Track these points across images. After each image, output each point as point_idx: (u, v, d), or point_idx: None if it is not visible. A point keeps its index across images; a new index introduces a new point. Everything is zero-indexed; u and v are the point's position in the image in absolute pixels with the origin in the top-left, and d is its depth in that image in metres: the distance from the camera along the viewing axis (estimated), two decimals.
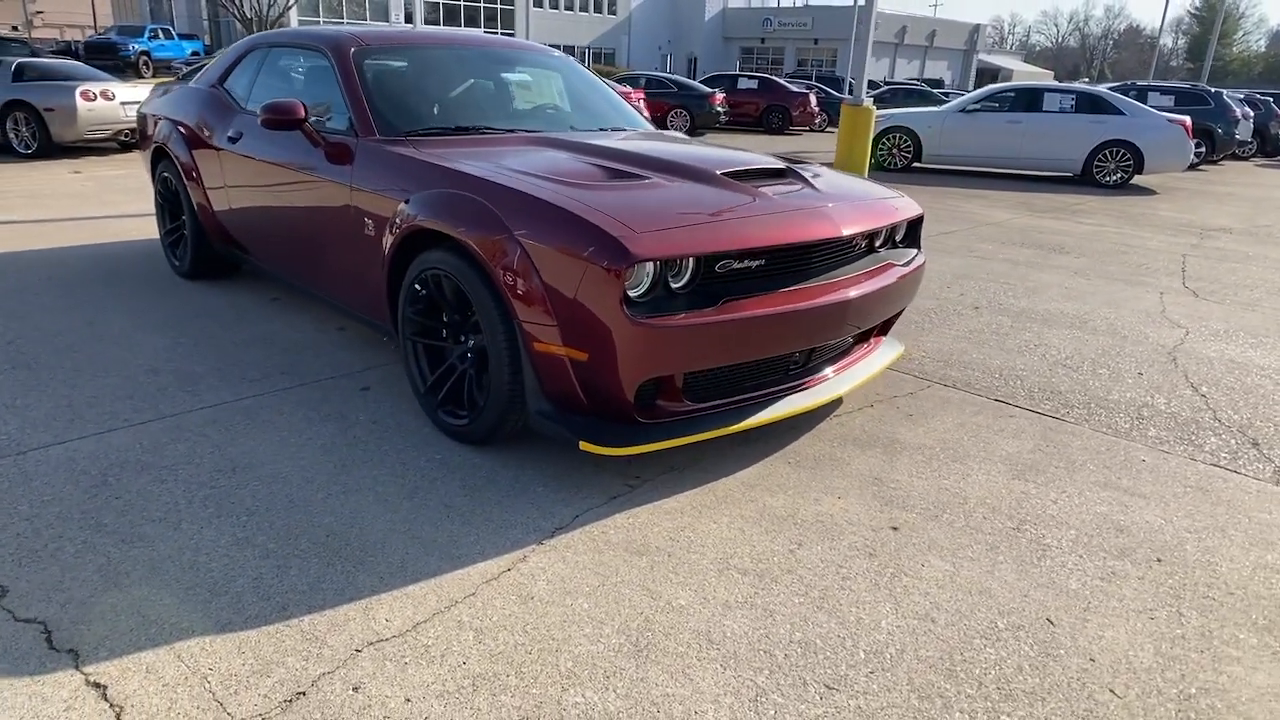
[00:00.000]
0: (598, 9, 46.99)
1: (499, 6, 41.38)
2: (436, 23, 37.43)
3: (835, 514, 2.52)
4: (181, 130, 4.50)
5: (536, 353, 2.50)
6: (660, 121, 19.23)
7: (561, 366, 2.47)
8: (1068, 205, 9.82)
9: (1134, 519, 2.58)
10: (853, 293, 2.76)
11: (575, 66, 4.38)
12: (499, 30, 39.91)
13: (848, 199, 2.96)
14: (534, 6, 42.57)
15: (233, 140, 4.04)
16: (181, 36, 29.93)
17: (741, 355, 2.56)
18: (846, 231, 2.75)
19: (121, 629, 1.89)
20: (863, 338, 3.27)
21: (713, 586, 2.14)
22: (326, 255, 3.47)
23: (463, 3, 39.80)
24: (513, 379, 2.59)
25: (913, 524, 2.49)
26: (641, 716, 1.70)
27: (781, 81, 23.18)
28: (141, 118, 5.20)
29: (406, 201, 2.86)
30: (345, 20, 34.84)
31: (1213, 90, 15.48)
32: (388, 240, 2.96)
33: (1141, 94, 14.87)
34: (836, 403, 3.36)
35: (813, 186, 2.98)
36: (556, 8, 44.52)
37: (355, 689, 1.74)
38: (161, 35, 28.46)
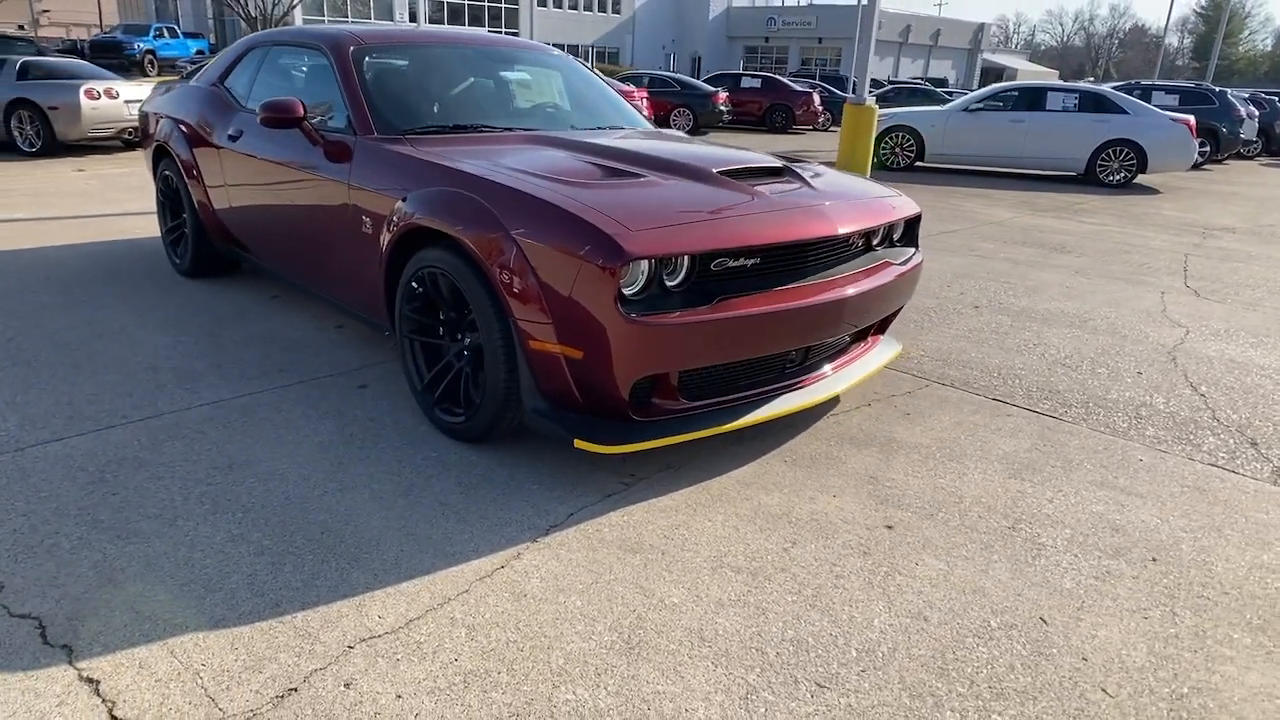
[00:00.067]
0: (602, 8, 46.99)
1: (503, 6, 41.41)
2: (441, 22, 37.48)
3: (830, 513, 2.52)
4: (182, 129, 4.51)
5: (532, 350, 2.51)
6: (663, 120, 19.24)
7: (557, 364, 2.47)
8: (1070, 204, 9.80)
9: (1130, 518, 2.57)
10: (849, 291, 2.76)
11: (574, 65, 4.38)
12: (503, 29, 39.95)
13: (845, 198, 2.96)
14: (538, 6, 42.59)
15: (233, 138, 4.05)
16: (186, 35, 30.01)
17: (737, 354, 2.56)
18: (843, 230, 2.75)
19: (115, 625, 1.90)
20: (860, 336, 3.26)
21: (706, 584, 2.14)
22: (325, 253, 3.48)
23: (467, 2, 39.84)
24: (508, 377, 2.60)
25: (908, 523, 2.49)
26: (632, 714, 1.70)
27: (785, 80, 23.16)
28: (143, 116, 5.21)
29: (404, 200, 2.87)
30: (350, 19, 34.89)
31: (1217, 89, 15.42)
32: (385, 238, 2.96)
33: (1145, 93, 14.83)
34: (834, 401, 3.36)
35: (810, 185, 2.98)
36: (561, 7, 44.53)
37: (347, 685, 1.75)
38: (166, 34, 28.54)
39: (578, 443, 2.48)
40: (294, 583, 2.08)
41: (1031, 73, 62.57)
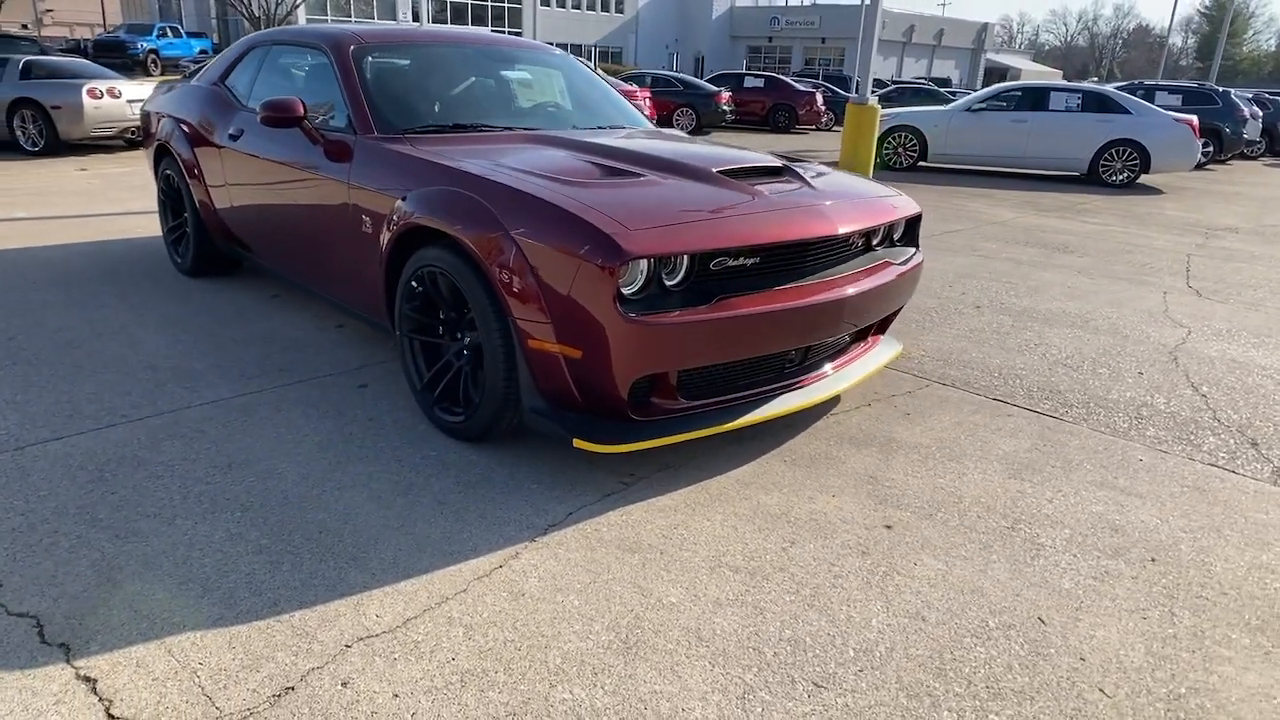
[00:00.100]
0: (605, 8, 47.00)
1: (506, 5, 41.44)
2: (445, 21, 37.51)
3: (829, 512, 2.52)
4: (184, 128, 4.52)
5: (531, 350, 2.51)
6: (666, 120, 19.23)
7: (556, 364, 2.47)
8: (1073, 204, 9.78)
9: (1129, 519, 2.57)
10: (849, 291, 2.75)
11: (575, 64, 4.38)
12: (506, 29, 39.97)
13: (844, 197, 2.96)
14: (541, 5, 42.61)
15: (233, 138, 4.06)
16: (190, 35, 30.04)
17: (736, 353, 2.56)
18: (842, 230, 2.74)
19: (113, 623, 1.90)
20: (860, 336, 3.26)
21: (704, 584, 2.14)
22: (326, 253, 3.48)
23: (471, 1, 39.86)
24: (507, 376, 2.60)
25: (907, 523, 2.48)
26: (628, 713, 1.70)
27: (788, 80, 23.15)
28: (145, 115, 5.22)
29: (403, 199, 2.87)
30: (353, 19, 34.94)
31: (1220, 89, 15.39)
32: (385, 237, 2.96)
33: (1149, 93, 14.80)
34: (834, 401, 3.35)
35: (809, 185, 2.98)
36: (564, 6, 44.55)
37: (344, 684, 1.75)
38: (170, 34, 28.58)
39: (576, 442, 2.48)
40: (292, 582, 2.08)
41: (1035, 73, 62.48)
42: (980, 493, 2.69)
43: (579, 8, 45.35)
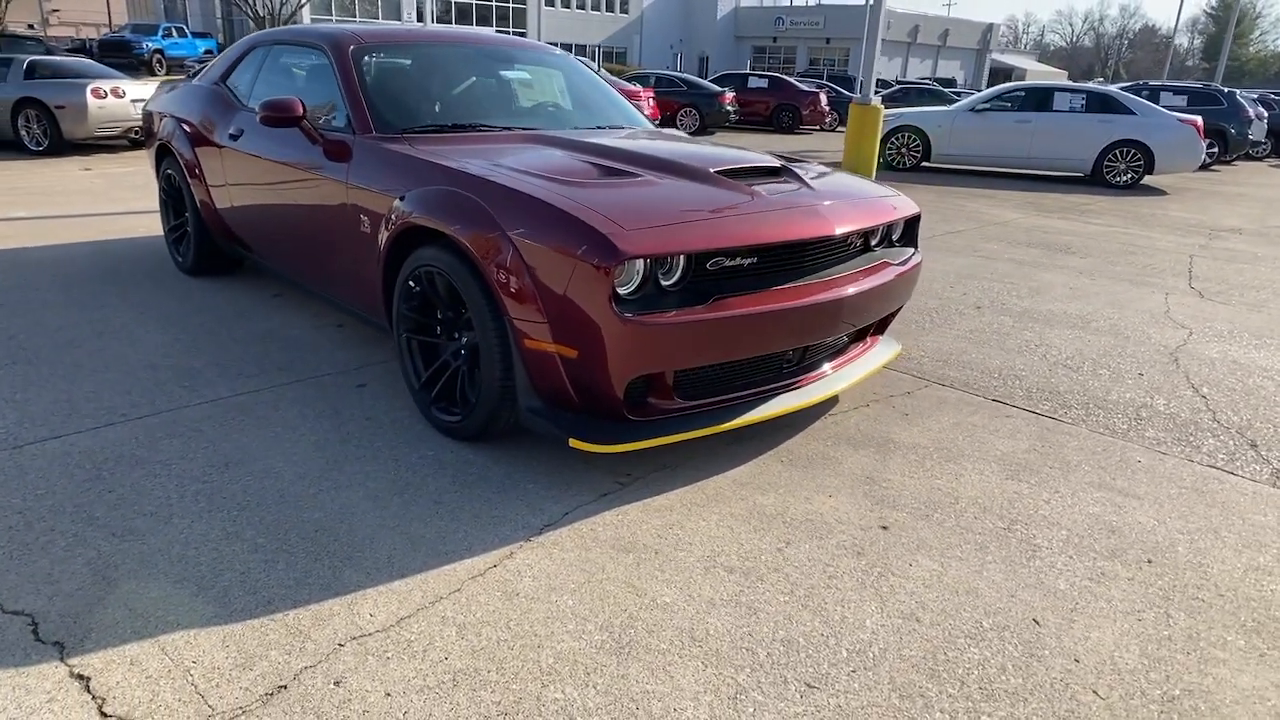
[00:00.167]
0: (609, 8, 47.01)
1: (510, 5, 41.48)
2: (449, 21, 37.56)
3: (825, 513, 2.52)
4: (185, 128, 4.53)
5: (527, 349, 2.51)
6: (670, 120, 19.23)
7: (552, 363, 2.47)
8: (1076, 205, 9.76)
9: (1126, 520, 2.56)
10: (847, 291, 2.75)
11: (575, 64, 4.38)
12: (511, 29, 40.01)
13: (843, 197, 2.95)
14: (546, 5, 42.62)
15: (234, 138, 4.06)
16: (195, 35, 30.10)
17: (733, 353, 2.56)
18: (840, 230, 2.74)
19: (108, 622, 1.91)
20: (859, 337, 3.26)
21: (698, 584, 2.14)
22: (325, 252, 3.49)
23: (475, 1, 39.90)
24: (504, 376, 2.60)
25: (903, 523, 2.48)
26: (620, 713, 1.70)
27: (792, 80, 23.12)
28: (147, 115, 5.24)
29: (401, 198, 2.87)
30: (358, 18, 34.99)
31: (1226, 90, 15.35)
32: (383, 237, 2.97)
33: (1154, 94, 14.76)
34: (832, 401, 3.35)
35: (808, 185, 2.97)
36: (568, 7, 44.58)
37: (336, 683, 1.75)
38: (175, 33, 28.63)
39: (572, 442, 2.48)
40: (286, 581, 2.08)
41: (1040, 73, 62.33)
42: (977, 494, 2.68)
43: (583, 8, 45.38)
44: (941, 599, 2.12)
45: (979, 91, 16.65)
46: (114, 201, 7.25)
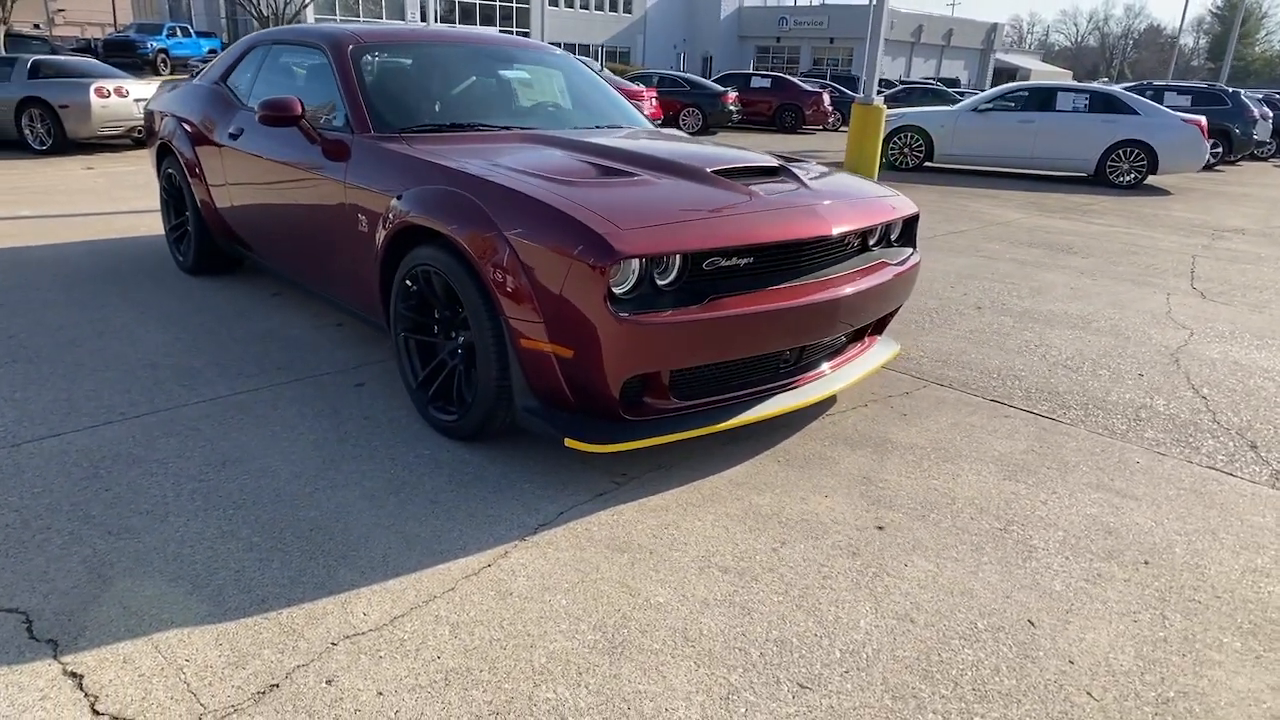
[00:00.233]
0: (613, 8, 47.01)
1: (514, 5, 41.50)
2: (453, 21, 37.58)
3: (821, 513, 2.51)
4: (185, 127, 4.54)
5: (523, 349, 2.51)
6: (673, 120, 19.22)
7: (548, 363, 2.47)
8: (1079, 205, 9.74)
9: (1124, 521, 2.55)
10: (844, 291, 2.74)
11: (575, 64, 4.38)
12: (514, 29, 40.02)
13: (840, 197, 2.95)
14: (549, 5, 42.62)
15: (234, 137, 4.07)
16: (199, 34, 30.18)
17: (729, 353, 2.55)
18: (837, 230, 2.73)
19: (102, 620, 1.91)
20: (857, 337, 3.25)
21: (692, 584, 2.14)
22: (323, 252, 3.49)
23: (479, 1, 39.93)
24: (500, 375, 2.60)
25: (899, 524, 2.48)
26: (612, 713, 1.70)
27: (795, 80, 23.11)
28: (148, 114, 5.25)
29: (399, 198, 2.87)
30: (361, 18, 35.03)
31: (1230, 90, 15.30)
32: (380, 236, 2.97)
33: (1158, 94, 14.72)
34: (830, 402, 3.34)
35: (805, 185, 2.97)
36: (572, 6, 44.60)
37: (329, 682, 1.75)
38: (179, 33, 28.71)
39: (568, 441, 2.48)
40: (281, 579, 2.08)
41: (1045, 73, 62.21)
42: (974, 494, 2.68)
43: (587, 8, 45.39)
44: (936, 599, 2.12)
45: (983, 92, 16.62)
46: (116, 201, 7.26)
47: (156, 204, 6.59)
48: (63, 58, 12.10)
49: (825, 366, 3.03)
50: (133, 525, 2.29)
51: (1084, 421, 3.31)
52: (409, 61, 3.77)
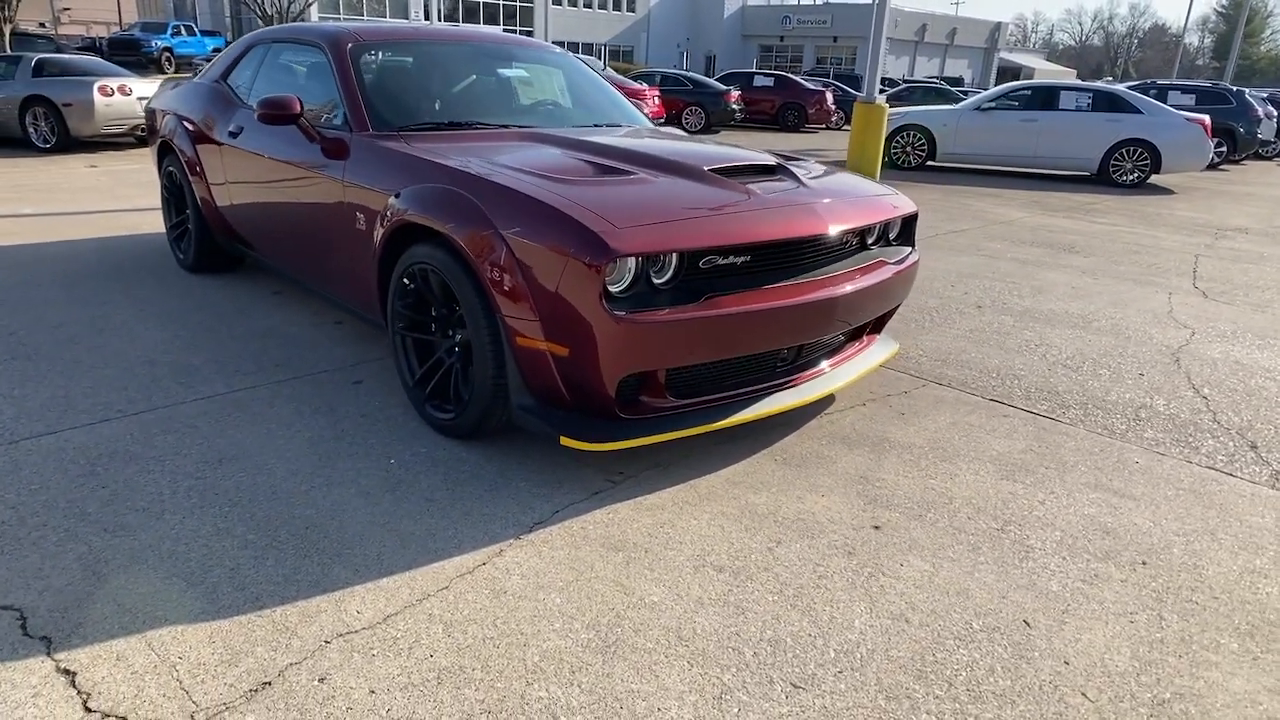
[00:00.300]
0: (616, 6, 46.98)
1: (518, 4, 41.47)
2: (456, 20, 37.58)
3: (817, 512, 2.51)
4: (186, 125, 4.54)
5: (519, 347, 2.50)
6: (675, 119, 19.21)
7: (544, 361, 2.47)
8: (1082, 204, 9.71)
9: (1122, 521, 2.54)
10: (841, 290, 2.74)
11: (574, 62, 4.38)
12: (518, 28, 40.01)
13: (838, 195, 2.94)
14: (553, 4, 42.63)
15: (233, 135, 4.07)
16: (204, 33, 30.21)
17: (726, 352, 2.55)
18: (834, 228, 2.73)
19: (95, 617, 1.91)
20: (855, 335, 3.24)
21: (687, 583, 2.13)
22: (322, 250, 3.49)
23: (482, 0, 39.92)
24: (496, 373, 2.59)
25: (895, 523, 2.47)
26: (604, 712, 1.70)
27: (797, 79, 23.07)
28: (150, 112, 5.25)
29: (396, 196, 2.87)
30: (365, 17, 35.05)
31: (1235, 89, 15.25)
32: (378, 234, 2.97)
33: (1162, 93, 14.68)
34: (828, 400, 3.34)
35: (803, 184, 2.96)
36: (575, 5, 44.56)
37: (321, 680, 1.75)
38: (184, 32, 28.74)
39: (564, 440, 2.47)
40: (275, 577, 2.08)
41: (1049, 72, 62.09)
42: (972, 494, 2.67)
43: (590, 6, 45.35)
44: (932, 600, 2.11)
45: (986, 91, 16.58)
46: (118, 199, 7.28)
47: (158, 202, 6.60)
48: (66, 56, 12.12)
49: (823, 365, 3.02)
50: (128, 522, 2.29)
51: (1083, 421, 3.30)
52: (408, 60, 3.77)
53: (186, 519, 2.32)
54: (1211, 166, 14.66)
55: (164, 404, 3.08)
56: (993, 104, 12.31)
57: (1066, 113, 11.77)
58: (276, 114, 3.28)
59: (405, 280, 2.89)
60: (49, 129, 10.20)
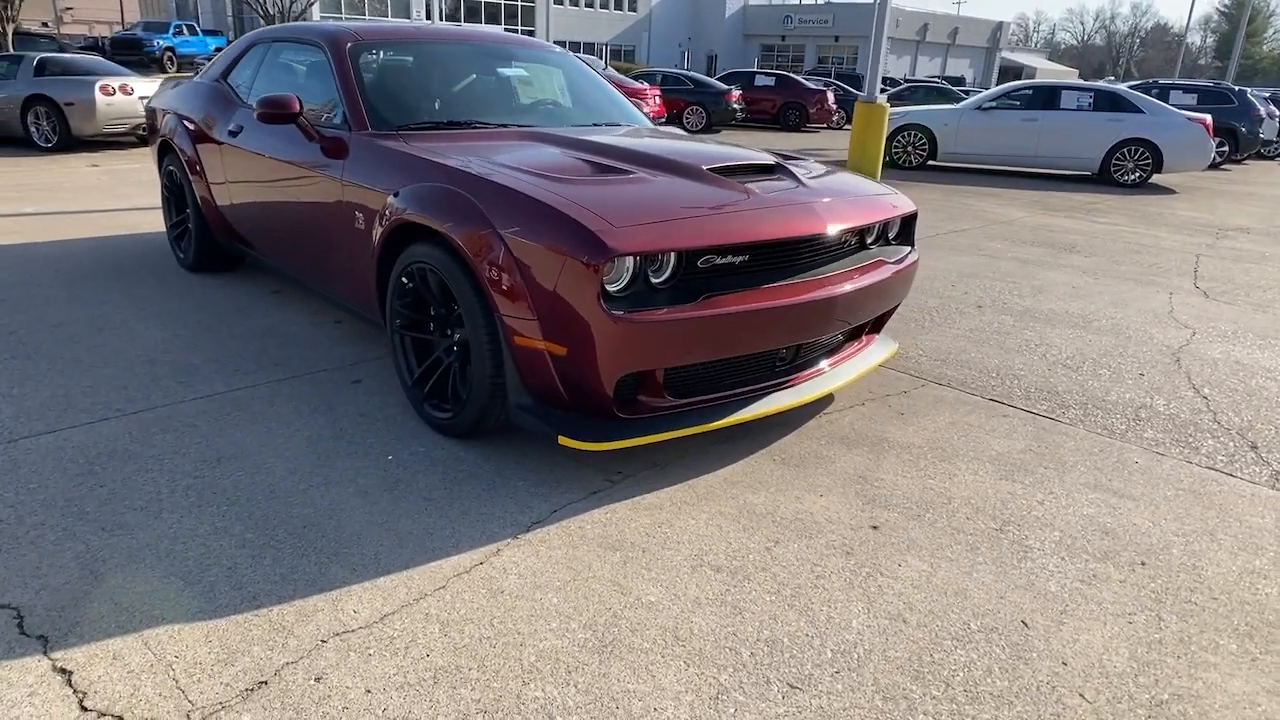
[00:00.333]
0: (618, 6, 46.97)
1: (519, 4, 41.46)
2: (459, 20, 37.58)
3: (815, 512, 2.51)
4: (186, 124, 4.54)
5: (517, 346, 2.50)
6: (676, 118, 19.21)
7: (542, 360, 2.47)
8: (1083, 204, 9.70)
9: (1121, 521, 2.54)
10: (840, 289, 2.73)
11: (574, 62, 4.37)
12: (519, 28, 40.01)
13: (837, 195, 2.93)
14: (554, 4, 42.62)
15: (233, 134, 4.07)
16: (206, 33, 30.22)
17: (724, 351, 2.54)
18: (833, 228, 2.72)
19: (92, 616, 1.91)
20: (854, 335, 3.24)
21: (684, 583, 2.13)
22: (321, 249, 3.49)
23: (484, 0, 39.91)
24: (494, 373, 2.59)
25: (894, 523, 2.46)
26: (600, 712, 1.69)
27: (798, 79, 23.05)
28: (150, 111, 5.26)
29: (395, 195, 2.87)
30: (367, 16, 35.06)
31: (1236, 88, 15.22)
32: (377, 233, 2.97)
33: (1163, 92, 14.66)
34: (827, 400, 3.33)
35: (802, 183, 2.96)
36: (577, 5, 44.55)
37: (317, 679, 1.75)
38: (186, 31, 28.76)
39: (562, 439, 2.47)
40: (272, 576, 2.08)
41: (1051, 71, 62.02)
42: (970, 494, 2.67)
43: (591, 6, 45.34)
44: (929, 600, 2.11)
45: (987, 90, 16.56)
46: (120, 198, 7.28)
47: (159, 201, 6.60)
48: (68, 55, 12.14)
49: (822, 364, 3.02)
50: (126, 521, 2.29)
51: (1083, 421, 3.29)
52: (408, 59, 3.77)
53: (184, 518, 2.32)
54: (1213, 166, 14.64)
55: (163, 403, 3.08)
56: (994, 104, 12.30)
57: (1068, 112, 11.76)
58: (276, 113, 3.28)
59: (404, 279, 2.88)
60: (51, 128, 10.20)
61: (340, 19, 33.56)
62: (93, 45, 26.69)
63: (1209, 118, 11.38)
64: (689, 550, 2.28)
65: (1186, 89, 15.07)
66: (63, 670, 1.75)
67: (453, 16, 37.32)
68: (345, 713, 1.66)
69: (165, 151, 4.86)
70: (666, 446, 2.85)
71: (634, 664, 1.83)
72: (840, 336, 3.14)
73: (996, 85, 27.79)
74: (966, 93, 23.75)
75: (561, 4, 43.34)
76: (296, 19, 27.27)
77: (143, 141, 11.03)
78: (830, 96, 21.79)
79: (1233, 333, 4.60)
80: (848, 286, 2.76)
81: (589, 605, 2.03)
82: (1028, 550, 2.35)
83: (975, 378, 3.72)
